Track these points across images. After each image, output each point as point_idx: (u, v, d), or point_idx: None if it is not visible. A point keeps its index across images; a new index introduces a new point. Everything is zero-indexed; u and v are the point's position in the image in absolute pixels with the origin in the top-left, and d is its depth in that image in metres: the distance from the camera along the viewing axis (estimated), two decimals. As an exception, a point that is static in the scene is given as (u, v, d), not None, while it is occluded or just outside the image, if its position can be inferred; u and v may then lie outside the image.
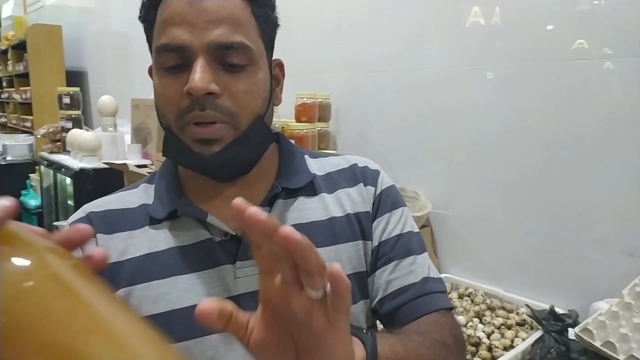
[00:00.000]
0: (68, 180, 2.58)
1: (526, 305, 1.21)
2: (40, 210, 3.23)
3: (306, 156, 0.69)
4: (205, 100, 0.53)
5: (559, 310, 1.12)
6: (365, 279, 0.64)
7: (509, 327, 1.19)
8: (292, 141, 0.74)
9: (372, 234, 0.64)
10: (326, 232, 0.62)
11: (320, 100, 1.64)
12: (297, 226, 0.60)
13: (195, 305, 0.56)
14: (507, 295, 1.30)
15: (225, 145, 0.55)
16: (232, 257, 0.58)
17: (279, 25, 0.63)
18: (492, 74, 1.31)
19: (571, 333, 0.98)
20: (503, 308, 1.27)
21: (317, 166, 0.68)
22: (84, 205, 0.64)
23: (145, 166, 2.19)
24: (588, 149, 1.15)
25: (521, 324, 1.20)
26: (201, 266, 0.58)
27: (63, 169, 2.57)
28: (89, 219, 0.61)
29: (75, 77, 3.77)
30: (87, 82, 3.83)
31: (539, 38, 1.20)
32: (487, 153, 1.34)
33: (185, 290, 0.57)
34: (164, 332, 0.58)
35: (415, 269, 0.63)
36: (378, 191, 0.67)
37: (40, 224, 3.25)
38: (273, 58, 0.63)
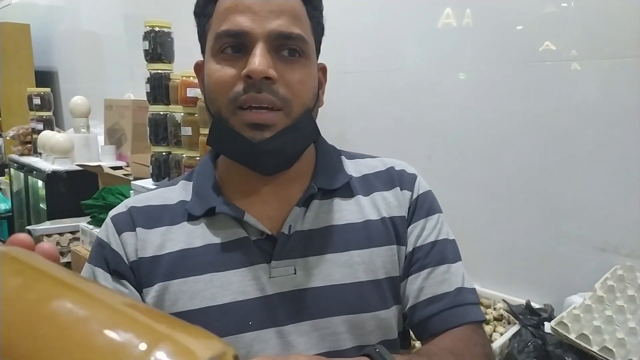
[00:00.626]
0: (40, 183, 2.52)
1: (503, 300, 1.24)
2: (11, 214, 3.15)
3: (343, 157, 0.70)
4: (262, 85, 0.53)
5: (535, 304, 1.15)
6: (398, 284, 0.63)
7: (487, 322, 1.22)
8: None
9: (406, 239, 0.64)
10: (361, 234, 0.62)
11: (298, 101, 1.64)
12: (332, 227, 0.61)
13: (229, 303, 0.57)
14: (485, 291, 1.33)
15: (277, 132, 0.55)
16: (268, 257, 0.59)
17: (324, 33, 0.65)
18: (464, 74, 1.34)
19: (547, 327, 1.01)
20: (481, 304, 1.30)
21: (354, 167, 0.68)
22: (126, 200, 0.66)
23: (120, 168, 2.15)
24: (559, 148, 1.19)
25: (499, 318, 1.23)
26: (237, 264, 0.58)
27: (34, 172, 2.51)
28: (130, 213, 0.62)
29: (45, 77, 3.68)
30: (58, 82, 3.73)
31: (509, 40, 1.24)
32: (463, 152, 1.37)
33: (220, 288, 0.57)
34: None
35: (449, 277, 0.63)
36: (414, 196, 0.66)
37: (11, 228, 3.16)
38: (320, 62, 0.65)
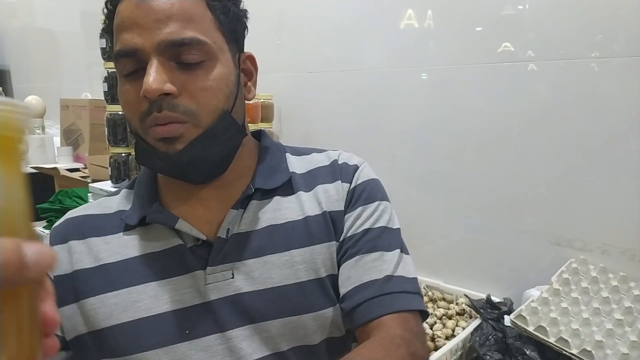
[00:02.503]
0: (-9, 186, 2.40)
1: (465, 295, 1.27)
2: (-41, 219, 2.99)
3: (288, 154, 0.68)
4: (162, 102, 0.52)
5: (495, 298, 1.19)
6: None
7: (450, 317, 1.24)
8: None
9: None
10: (302, 232, 0.60)
11: (262, 100, 1.63)
12: (272, 227, 0.60)
13: (165, 313, 0.55)
14: (447, 287, 1.36)
15: (189, 142, 0.53)
16: (203, 263, 0.57)
17: (245, 16, 0.62)
18: (426, 74, 1.36)
19: (507, 320, 1.04)
20: (444, 299, 1.32)
21: (299, 164, 0.67)
22: (69, 212, 0.64)
23: (77, 170, 2.08)
24: (515, 146, 1.22)
25: (461, 313, 1.25)
26: (172, 273, 0.57)
27: (-15, 175, 2.39)
28: (66, 225, 0.61)
29: (-4, 76, 3.51)
30: (10, 81, 3.57)
31: (469, 41, 1.27)
32: (425, 151, 1.39)
33: (155, 298, 0.56)
34: (135, 341, 0.57)
35: (379, 265, 0.59)
36: (352, 186, 0.65)
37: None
38: (246, 52, 0.62)
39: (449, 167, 1.35)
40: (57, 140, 2.47)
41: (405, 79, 1.40)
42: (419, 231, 1.45)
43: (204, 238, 0.58)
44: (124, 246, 0.59)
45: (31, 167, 2.22)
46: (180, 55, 0.52)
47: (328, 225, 0.62)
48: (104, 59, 1.48)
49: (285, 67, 1.72)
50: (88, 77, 2.66)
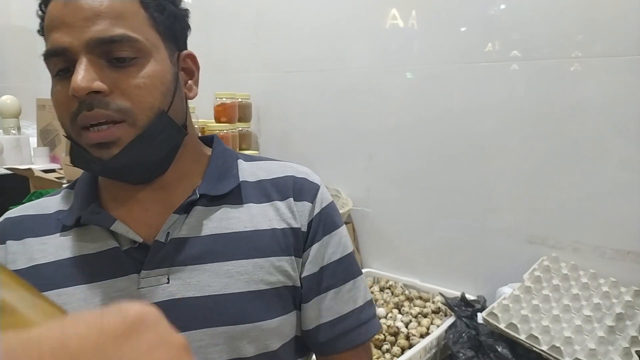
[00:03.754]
0: (-35, 188, 2.36)
1: (440, 293, 1.28)
2: None
3: (240, 160, 0.66)
4: (92, 100, 0.50)
5: (470, 296, 1.20)
6: (289, 294, 0.60)
7: (425, 316, 1.25)
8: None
9: (303, 253, 0.62)
10: (247, 244, 0.59)
11: (240, 100, 1.62)
12: (216, 236, 0.58)
13: None
14: (423, 286, 1.37)
15: (125, 146, 0.52)
16: (139, 266, 0.56)
17: (186, 16, 0.60)
18: (411, 74, 1.37)
19: (479, 317, 1.05)
20: (420, 298, 1.33)
21: (250, 171, 0.65)
22: (6, 212, 0.62)
23: (53, 171, 2.04)
24: (490, 145, 1.24)
25: (436, 311, 1.26)
26: (103, 276, 0.55)
27: (-42, 176, 2.34)
28: (3, 225, 0.59)
29: (-30, 75, 3.44)
30: (-15, 80, 3.51)
31: (452, 41, 1.28)
32: (403, 151, 1.40)
33: (84, 301, 0.54)
34: None
35: (354, 294, 0.63)
36: (317, 209, 0.63)
37: None
38: (185, 51, 0.61)
39: (425, 166, 1.36)
40: (33, 140, 2.42)
41: (386, 78, 1.41)
42: (397, 231, 1.46)
43: (141, 241, 0.56)
44: (59, 247, 0.57)
45: (5, 168, 2.18)
46: (111, 53, 0.51)
47: (279, 240, 0.60)
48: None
49: (262, 67, 1.71)
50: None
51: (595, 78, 1.08)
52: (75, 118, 0.51)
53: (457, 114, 1.28)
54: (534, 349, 0.94)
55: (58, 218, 0.59)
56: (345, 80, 1.50)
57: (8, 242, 0.58)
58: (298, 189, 0.63)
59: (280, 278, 0.59)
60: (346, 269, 0.63)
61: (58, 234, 0.58)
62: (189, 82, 0.61)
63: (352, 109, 1.50)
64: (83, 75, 0.49)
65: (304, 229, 0.62)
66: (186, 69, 0.61)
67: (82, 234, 0.58)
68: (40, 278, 0.55)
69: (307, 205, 0.62)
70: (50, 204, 0.62)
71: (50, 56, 0.51)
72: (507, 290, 1.12)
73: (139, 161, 0.54)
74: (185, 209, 0.58)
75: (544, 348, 0.93)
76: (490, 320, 1.00)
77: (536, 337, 0.95)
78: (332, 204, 0.66)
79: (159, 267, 0.55)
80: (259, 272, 0.58)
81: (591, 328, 0.98)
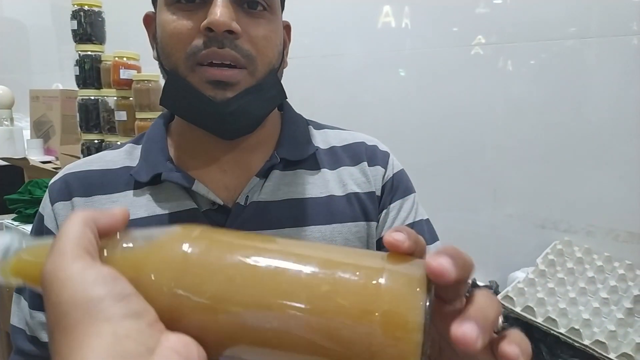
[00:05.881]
0: (-43, 180, 2.30)
1: (450, 280, 1.25)
2: None
3: (310, 127, 0.65)
4: (224, 39, 0.47)
5: (480, 283, 1.17)
6: None
7: (436, 303, 1.22)
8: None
9: (378, 217, 0.61)
10: (323, 210, 0.57)
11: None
12: (293, 201, 0.57)
13: None
14: (432, 273, 1.34)
15: (239, 92, 0.49)
16: None
17: None
18: (403, 70, 1.35)
19: (494, 302, 1.03)
20: (429, 286, 1.31)
21: (321, 138, 0.64)
22: (66, 166, 0.59)
23: (49, 162, 2.00)
24: (498, 132, 1.21)
25: (446, 299, 1.24)
26: None
27: (-50, 168, 2.29)
28: (65, 180, 0.56)
29: (-39, 68, 3.38)
30: (-24, 73, 3.45)
31: (445, 34, 1.25)
32: (405, 142, 1.37)
33: None
34: None
35: None
36: (389, 174, 0.63)
37: None
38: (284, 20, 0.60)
39: (429, 157, 1.33)
40: (27, 133, 2.38)
41: (382, 72, 1.39)
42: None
43: (221, 203, 0.54)
44: (131, 205, 0.54)
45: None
46: (246, 0, 0.50)
47: (353, 206, 0.59)
48: (75, 41, 1.42)
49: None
50: (59, 68, 2.58)
51: (608, 61, 1.06)
52: (195, 52, 0.48)
53: (460, 102, 1.26)
54: (552, 331, 0.92)
55: (130, 173, 0.56)
56: (346, 70, 1.47)
57: (75, 198, 0.55)
58: (370, 155, 0.63)
59: (357, 243, 0.59)
60: (420, 234, 0.62)
61: (129, 191, 0.55)
62: (284, 51, 0.59)
63: (349, 103, 1.47)
64: (224, 11, 0.47)
65: (378, 192, 0.61)
66: (283, 38, 0.59)
67: (155, 192, 0.55)
68: None
69: (380, 169, 0.62)
70: (115, 158, 0.58)
71: None
72: (520, 275, 1.10)
73: (247, 111, 0.51)
74: (265, 172, 0.56)
75: (562, 330, 0.91)
76: (506, 304, 0.98)
77: (554, 320, 0.92)
78: (403, 171, 0.66)
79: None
80: (337, 238, 0.57)
81: (609, 310, 0.96)
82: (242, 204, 0.54)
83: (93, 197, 0.55)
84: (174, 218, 0.53)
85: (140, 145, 0.59)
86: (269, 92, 0.53)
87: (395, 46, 1.35)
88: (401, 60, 1.35)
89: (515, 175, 1.21)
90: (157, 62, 0.55)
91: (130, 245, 0.28)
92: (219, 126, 0.53)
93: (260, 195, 0.55)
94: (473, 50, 1.23)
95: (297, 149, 0.59)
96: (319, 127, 0.67)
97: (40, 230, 0.56)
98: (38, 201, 1.59)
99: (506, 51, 1.18)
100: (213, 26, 0.47)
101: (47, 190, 0.57)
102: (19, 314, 0.56)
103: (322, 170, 0.60)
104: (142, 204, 0.54)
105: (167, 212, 0.54)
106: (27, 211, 1.63)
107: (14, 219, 1.70)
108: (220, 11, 0.46)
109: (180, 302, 0.25)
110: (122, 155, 0.59)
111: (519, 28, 1.15)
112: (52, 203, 0.55)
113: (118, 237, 0.29)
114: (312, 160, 0.60)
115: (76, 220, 0.27)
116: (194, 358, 0.24)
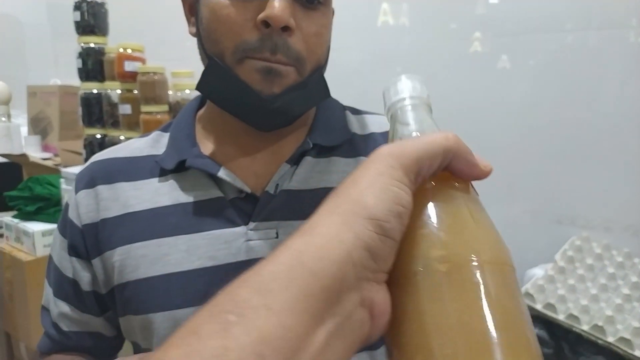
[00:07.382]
0: (-47, 177, 2.26)
1: (464, 278, 1.23)
2: None
3: (347, 112, 0.62)
4: (278, 39, 0.45)
5: (496, 280, 1.15)
6: None
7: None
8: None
9: None
10: None
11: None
12: (325, 190, 0.52)
13: (196, 270, 0.48)
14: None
15: (286, 88, 0.47)
16: (246, 218, 0.50)
17: None
18: (400, 68, 1.32)
19: (512, 299, 1.00)
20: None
21: (359, 124, 0.61)
22: (93, 155, 0.58)
23: (48, 158, 1.96)
24: (513, 127, 1.19)
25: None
26: (207, 226, 0.50)
27: (-54, 166, 2.24)
28: (90, 168, 0.55)
29: (-45, 64, 3.33)
30: (-29, 69, 3.39)
31: (442, 38, 1.25)
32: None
33: (187, 252, 0.49)
34: (161, 298, 0.50)
35: None
36: None
37: None
38: None
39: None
40: (24, 130, 2.33)
41: (382, 73, 1.36)
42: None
43: (249, 191, 0.51)
44: (155, 193, 0.52)
45: (-2, 155, 2.09)
46: None
47: None
48: (77, 33, 1.38)
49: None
50: (54, 64, 2.53)
51: (619, 54, 1.04)
52: (247, 49, 0.46)
53: (473, 99, 1.24)
54: (574, 329, 0.90)
55: (155, 160, 0.54)
56: (345, 71, 1.45)
57: (99, 186, 0.53)
58: None
59: None
60: None
61: (154, 178, 0.53)
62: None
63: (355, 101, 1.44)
64: (284, 6, 0.44)
65: None
66: None
67: (180, 180, 0.52)
68: (136, 226, 0.51)
69: None
70: (141, 146, 0.57)
71: None
72: (538, 271, 1.08)
73: (292, 107, 0.49)
74: (297, 159, 0.53)
75: (585, 328, 0.89)
76: (526, 301, 0.95)
77: (576, 317, 0.90)
78: None
79: (268, 220, 0.51)
80: None
81: (631, 307, 0.94)
82: (272, 192, 0.52)
83: (116, 184, 0.53)
84: (199, 207, 0.51)
85: (168, 133, 0.57)
86: (312, 90, 0.51)
87: (394, 43, 1.33)
88: (400, 57, 1.33)
89: (531, 170, 1.19)
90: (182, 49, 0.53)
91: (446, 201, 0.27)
92: (261, 120, 0.51)
93: (291, 183, 0.53)
94: (472, 47, 1.21)
95: (331, 134, 0.56)
96: (357, 112, 0.64)
97: (64, 222, 0.55)
98: (38, 198, 1.56)
99: (513, 45, 1.16)
100: (271, 21, 0.44)
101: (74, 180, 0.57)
102: (47, 296, 0.58)
103: (358, 157, 0.57)
104: (165, 192, 0.52)
105: (191, 200, 0.51)
106: (27, 208, 1.59)
107: (13, 216, 1.66)
108: (281, 6, 0.44)
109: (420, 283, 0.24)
110: (149, 142, 0.57)
111: (527, 22, 1.14)
112: (77, 191, 0.54)
113: (454, 184, 0.28)
114: (347, 147, 0.57)
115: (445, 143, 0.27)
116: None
